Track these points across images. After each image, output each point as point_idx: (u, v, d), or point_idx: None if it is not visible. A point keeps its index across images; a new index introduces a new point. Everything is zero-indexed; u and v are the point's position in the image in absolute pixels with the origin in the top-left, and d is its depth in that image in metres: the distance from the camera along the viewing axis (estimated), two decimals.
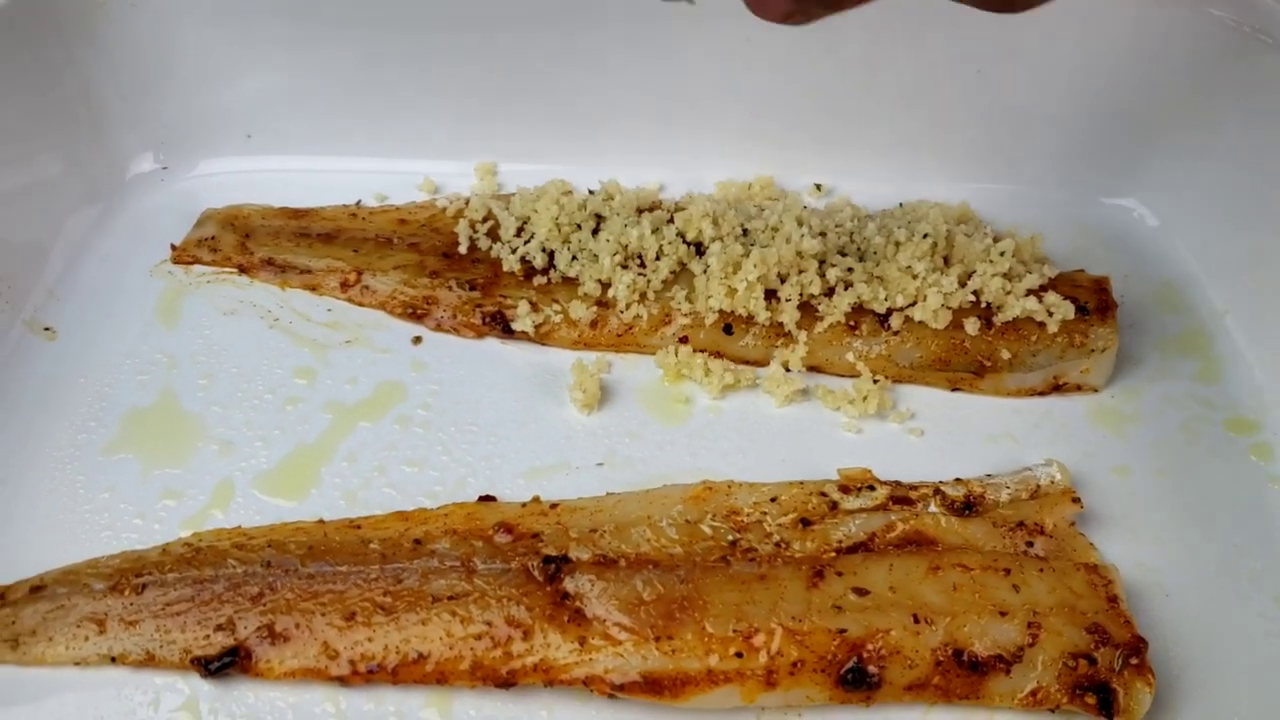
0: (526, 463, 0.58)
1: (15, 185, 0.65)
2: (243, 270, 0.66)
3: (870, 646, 0.47)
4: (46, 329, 0.63)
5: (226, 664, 0.48)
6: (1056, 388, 0.61)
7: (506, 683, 0.48)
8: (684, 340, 0.62)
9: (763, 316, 0.61)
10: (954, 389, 0.61)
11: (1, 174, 0.64)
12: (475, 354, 0.63)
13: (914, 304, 0.60)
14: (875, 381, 0.60)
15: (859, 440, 0.59)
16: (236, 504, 0.55)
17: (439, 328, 0.63)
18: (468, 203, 0.69)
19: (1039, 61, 0.68)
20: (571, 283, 0.63)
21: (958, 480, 0.55)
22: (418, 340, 0.63)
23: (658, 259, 0.63)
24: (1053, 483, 0.55)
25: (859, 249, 0.64)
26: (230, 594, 0.50)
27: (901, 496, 0.54)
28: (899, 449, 0.59)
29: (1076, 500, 0.54)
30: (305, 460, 0.57)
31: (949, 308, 0.60)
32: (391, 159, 0.73)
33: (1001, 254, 0.61)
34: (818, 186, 0.73)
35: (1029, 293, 0.60)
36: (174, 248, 0.67)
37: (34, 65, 0.65)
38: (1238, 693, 0.49)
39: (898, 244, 0.62)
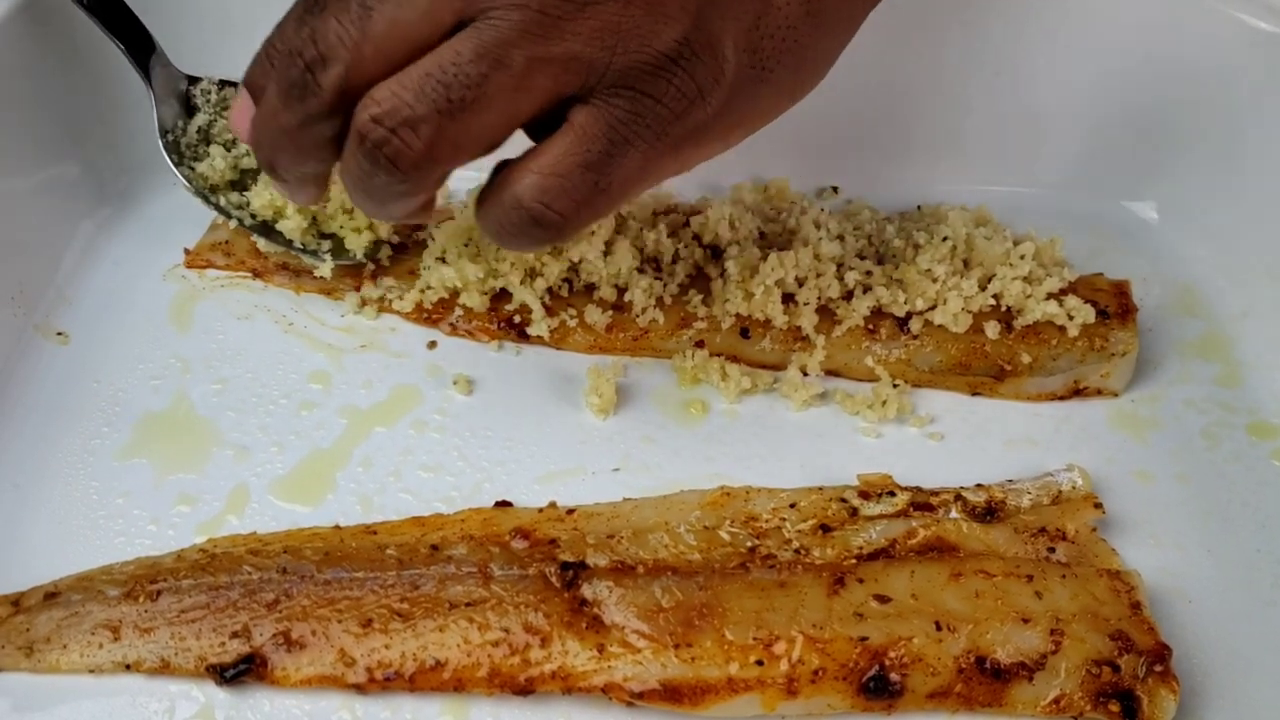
0: (542, 467, 0.57)
1: (27, 189, 0.64)
2: (256, 274, 0.66)
3: (892, 654, 0.47)
4: (59, 334, 0.62)
5: (242, 671, 0.48)
6: (1076, 392, 0.60)
7: (524, 690, 0.47)
8: (700, 344, 0.61)
9: (780, 320, 0.60)
10: (974, 393, 0.61)
11: (13, 178, 0.63)
12: (490, 358, 0.62)
13: (934, 307, 0.60)
14: (895, 386, 0.60)
15: (878, 445, 0.59)
16: (251, 509, 0.55)
17: (454, 332, 0.63)
18: None
19: (1058, 64, 0.67)
20: (587, 286, 0.63)
21: (979, 486, 0.55)
22: (432, 345, 0.63)
23: (674, 263, 0.63)
24: (1074, 488, 0.54)
25: (877, 252, 0.63)
26: (246, 601, 0.50)
27: (922, 502, 0.54)
28: (919, 454, 0.58)
29: (1098, 506, 0.54)
30: (320, 465, 0.57)
31: (969, 311, 0.59)
32: None
33: (1022, 257, 0.61)
34: (834, 189, 0.72)
35: (1049, 296, 0.60)
36: (187, 252, 0.67)
37: (45, 67, 0.65)
38: (1263, 700, 0.49)
39: (917, 247, 0.62)
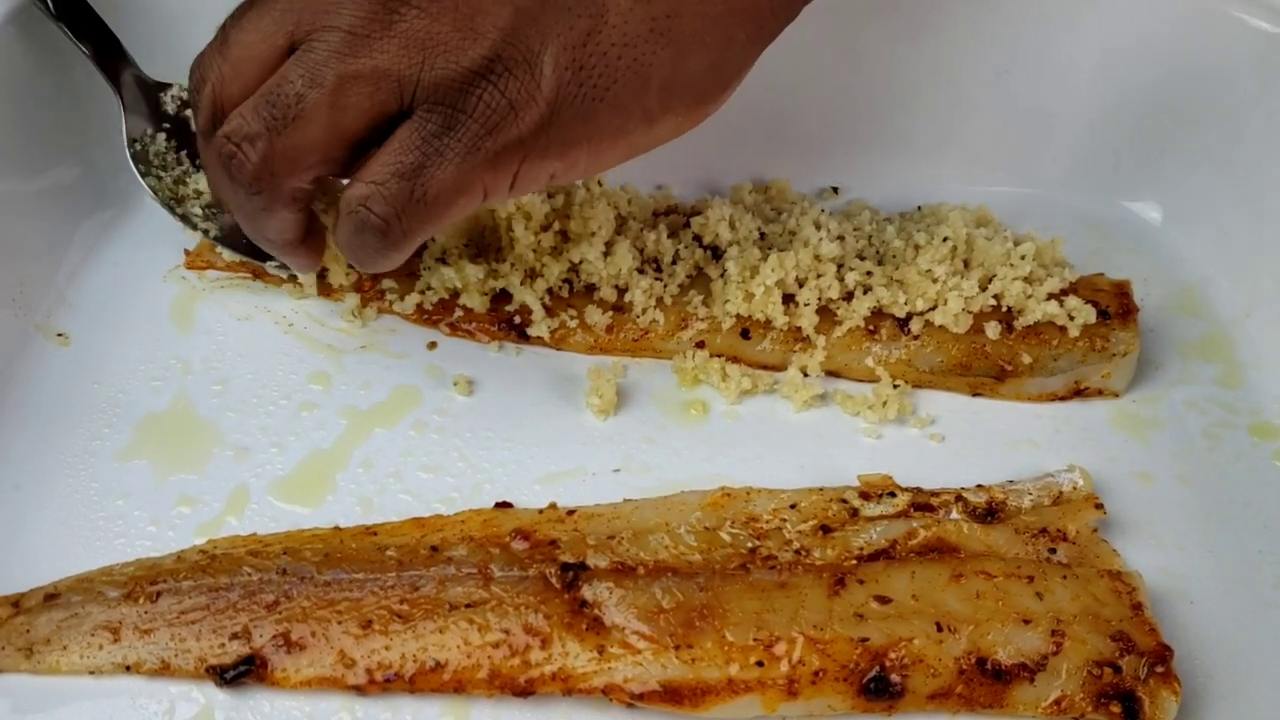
0: (543, 468, 0.57)
1: (27, 190, 0.65)
2: (256, 275, 0.66)
3: (893, 655, 0.47)
4: (60, 335, 0.62)
5: (242, 673, 0.48)
6: (1077, 393, 0.60)
7: (525, 691, 0.47)
8: (701, 345, 0.61)
9: (780, 321, 0.60)
10: (975, 394, 0.61)
11: (14, 179, 0.63)
12: (490, 359, 0.62)
13: (934, 308, 0.60)
14: (895, 386, 0.60)
15: (879, 446, 0.59)
16: (251, 510, 0.55)
17: (454, 332, 0.63)
18: None
19: (1059, 64, 0.67)
20: (587, 287, 0.63)
21: (979, 486, 0.55)
22: (433, 345, 0.63)
23: (674, 264, 0.63)
24: (1075, 489, 0.54)
25: (878, 252, 0.63)
26: (245, 602, 0.50)
27: (923, 503, 0.53)
28: (919, 455, 0.58)
29: (1099, 506, 0.54)
30: (321, 466, 0.57)
31: (969, 311, 0.59)
32: None
33: (1022, 257, 0.60)
34: (834, 189, 0.72)
35: (1050, 296, 0.60)
36: (187, 253, 0.67)
37: (46, 68, 0.65)
38: (1264, 701, 0.49)
39: (917, 247, 0.62)
